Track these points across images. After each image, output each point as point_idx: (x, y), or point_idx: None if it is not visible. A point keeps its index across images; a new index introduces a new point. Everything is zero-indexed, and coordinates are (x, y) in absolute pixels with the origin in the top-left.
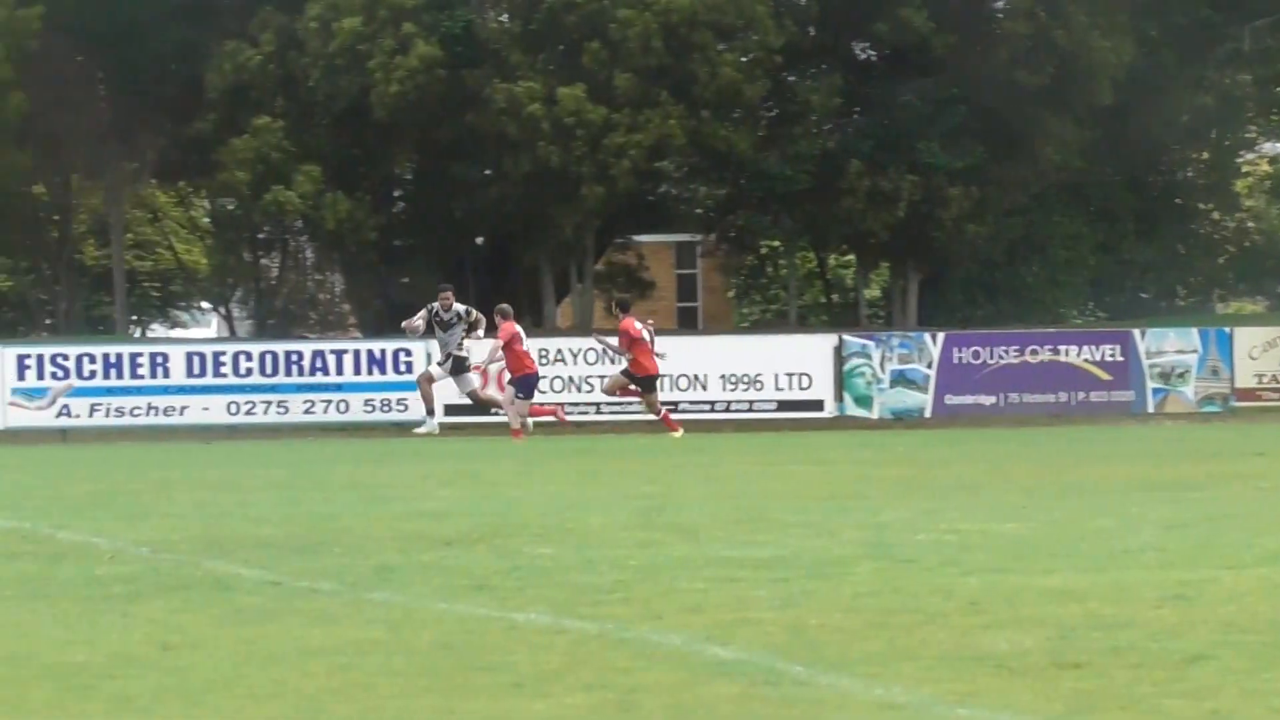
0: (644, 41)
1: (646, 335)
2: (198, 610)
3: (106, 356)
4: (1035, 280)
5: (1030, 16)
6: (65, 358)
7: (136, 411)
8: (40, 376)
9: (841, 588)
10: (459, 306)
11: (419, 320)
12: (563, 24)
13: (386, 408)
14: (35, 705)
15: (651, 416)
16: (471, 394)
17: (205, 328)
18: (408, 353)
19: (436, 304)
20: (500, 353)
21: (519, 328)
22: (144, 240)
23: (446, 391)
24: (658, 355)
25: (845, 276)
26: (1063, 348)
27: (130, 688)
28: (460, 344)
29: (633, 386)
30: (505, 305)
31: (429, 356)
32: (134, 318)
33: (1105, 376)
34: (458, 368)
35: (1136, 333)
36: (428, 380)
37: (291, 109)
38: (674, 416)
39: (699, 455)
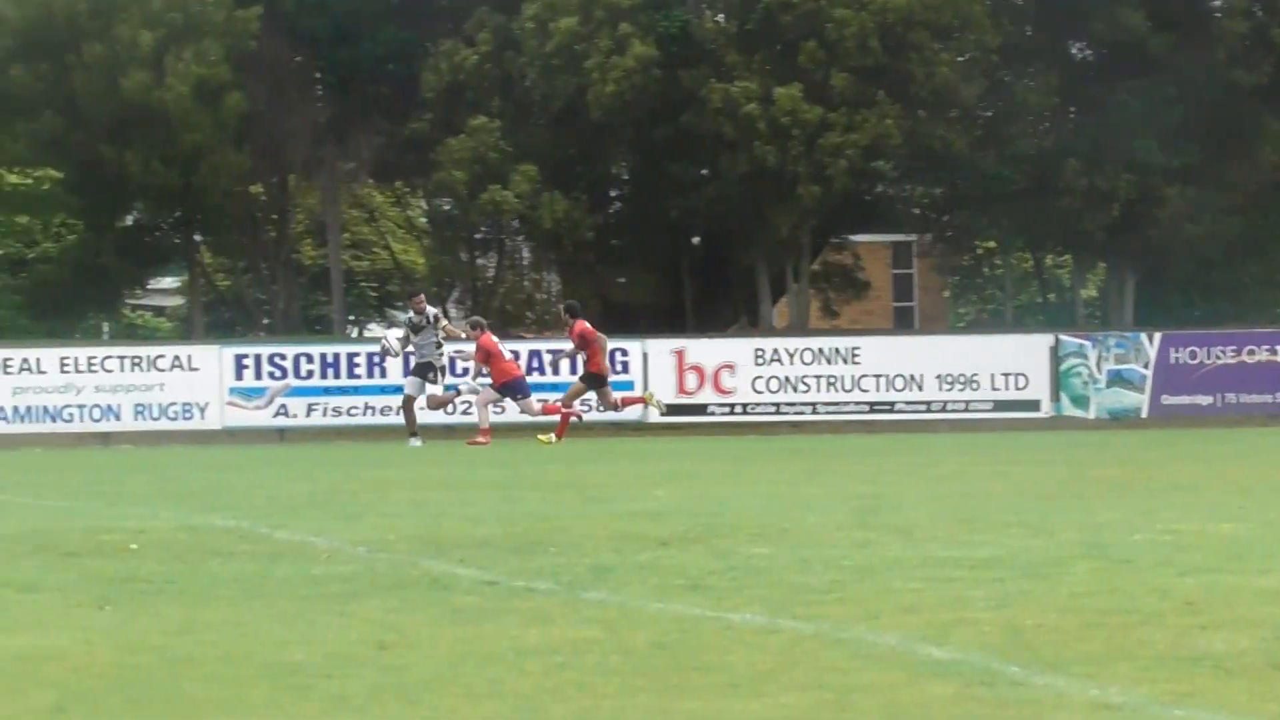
0: (861, 41)
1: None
2: (414, 610)
3: (324, 356)
4: (1253, 280)
5: (1248, 14)
6: (283, 357)
7: (354, 411)
8: (258, 376)
9: (1058, 588)
10: (431, 310)
11: (395, 341)
12: (779, 24)
13: (603, 407)
14: (252, 704)
15: (612, 413)
16: (430, 398)
17: None
18: (624, 352)
19: (409, 313)
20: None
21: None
22: (361, 240)
23: (665, 392)
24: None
25: (1061, 276)
26: None
27: (346, 687)
28: (437, 351)
29: (589, 397)
30: (478, 318)
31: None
32: (351, 317)
33: None
34: (423, 372)
35: None
36: (434, 402)
37: (508, 109)
38: (887, 417)
39: (915, 455)
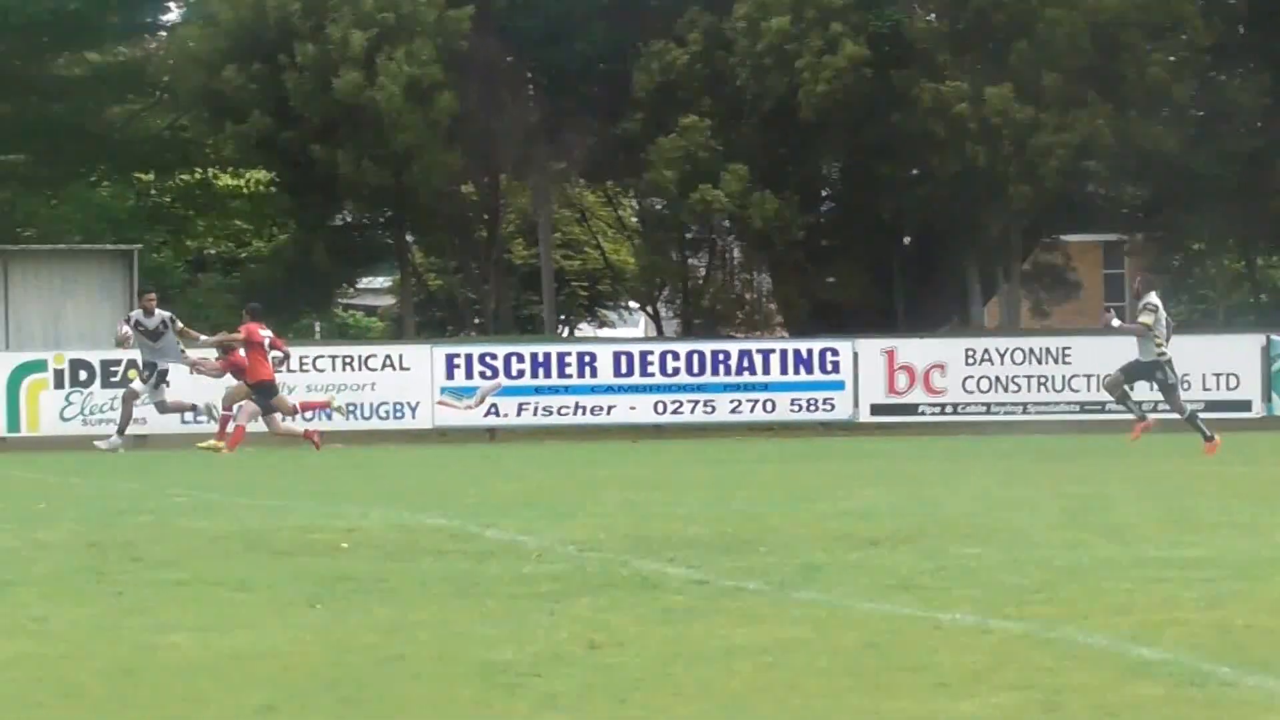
0: (1071, 41)
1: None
2: (624, 609)
3: (534, 356)
4: None
5: None
6: (494, 357)
7: (564, 411)
8: (469, 376)
9: (1269, 588)
10: (163, 313)
11: (126, 329)
12: (990, 23)
13: (813, 407)
14: (462, 703)
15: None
16: (160, 404)
17: (632, 327)
18: (834, 352)
19: (137, 311)
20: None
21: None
22: (572, 240)
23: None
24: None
25: (1274, 276)
26: None
27: (556, 685)
28: (180, 356)
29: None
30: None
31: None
32: (562, 317)
33: None
34: (159, 378)
35: None
36: (131, 396)
37: (718, 108)
38: (1097, 417)
39: (1126, 456)
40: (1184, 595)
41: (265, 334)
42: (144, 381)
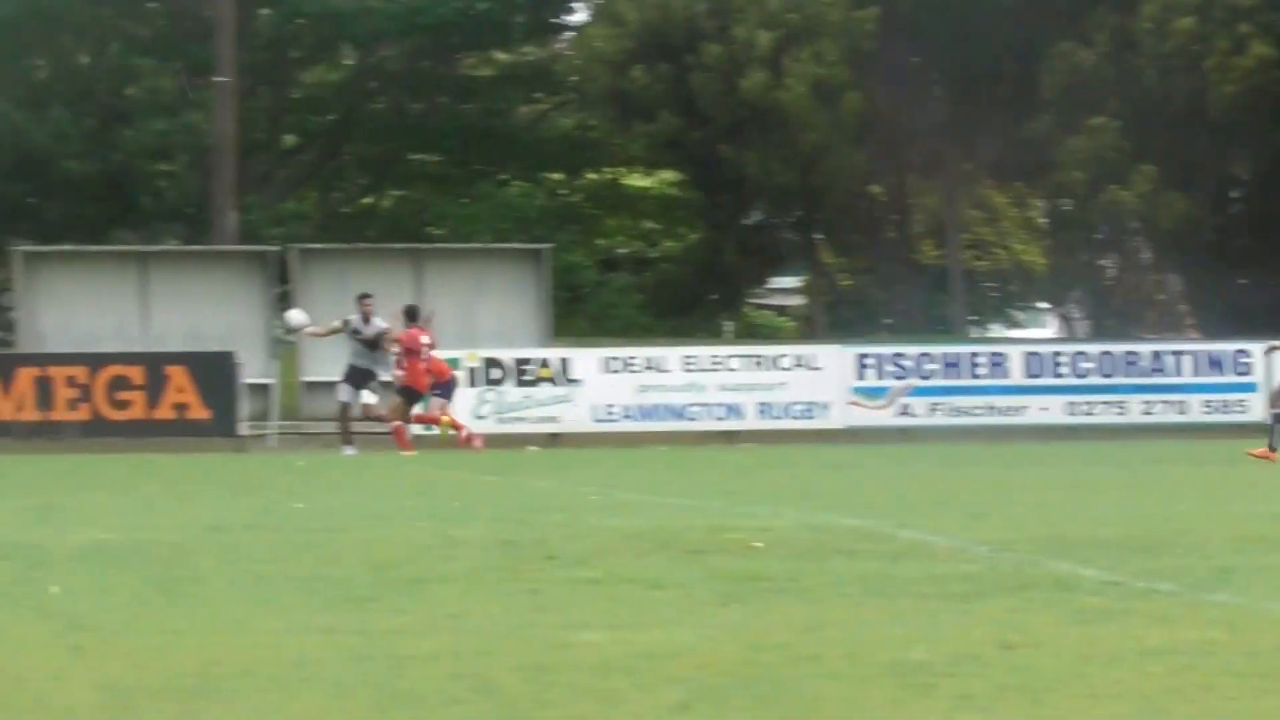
0: None
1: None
2: (1038, 610)
3: (945, 356)
4: None
5: None
6: (905, 357)
7: (976, 411)
8: (880, 376)
9: None
10: (380, 323)
11: (296, 315)
12: None
13: (1226, 409)
14: (875, 702)
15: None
16: (365, 408)
17: (1043, 327)
18: (1245, 354)
19: (356, 316)
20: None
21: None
22: (981, 240)
23: None
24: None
25: None
26: None
27: (970, 686)
28: (390, 367)
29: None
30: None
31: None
32: (973, 317)
33: None
34: (363, 380)
35: None
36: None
37: (1126, 109)
38: None
39: None
40: None
41: (425, 340)
42: (372, 392)
